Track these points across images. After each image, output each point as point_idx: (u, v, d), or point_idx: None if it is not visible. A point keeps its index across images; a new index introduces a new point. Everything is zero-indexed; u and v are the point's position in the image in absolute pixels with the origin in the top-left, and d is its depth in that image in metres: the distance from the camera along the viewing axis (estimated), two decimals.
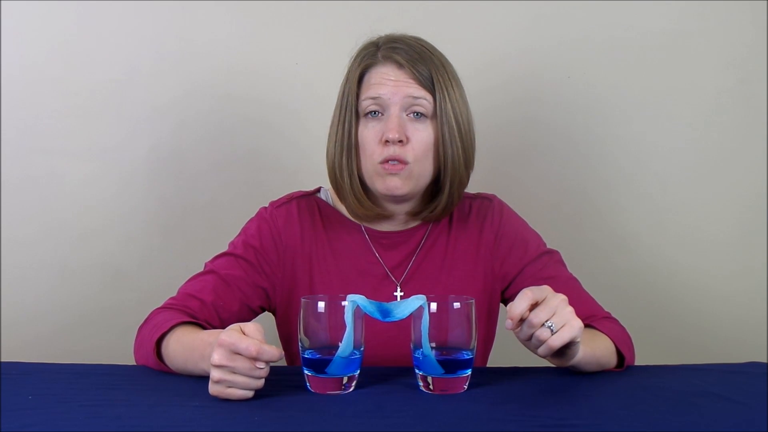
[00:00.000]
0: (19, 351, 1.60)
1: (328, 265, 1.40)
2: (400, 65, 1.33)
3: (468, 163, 1.38)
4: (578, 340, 1.12)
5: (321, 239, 1.41)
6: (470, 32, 1.87)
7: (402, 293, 1.39)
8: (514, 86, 1.91)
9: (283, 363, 1.46)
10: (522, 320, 1.10)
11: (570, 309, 1.11)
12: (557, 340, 1.09)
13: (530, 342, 1.12)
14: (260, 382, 1.05)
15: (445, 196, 1.37)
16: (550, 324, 1.09)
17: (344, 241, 1.41)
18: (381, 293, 1.37)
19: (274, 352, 1.04)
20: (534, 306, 1.10)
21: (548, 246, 1.45)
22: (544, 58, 1.90)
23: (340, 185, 1.37)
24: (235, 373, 1.04)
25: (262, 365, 1.04)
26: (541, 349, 1.11)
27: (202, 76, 1.87)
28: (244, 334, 1.05)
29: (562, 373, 1.20)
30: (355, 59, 1.38)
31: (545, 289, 1.12)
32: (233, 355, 1.04)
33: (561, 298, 1.11)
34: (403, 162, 1.32)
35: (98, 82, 1.84)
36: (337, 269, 1.39)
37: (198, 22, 1.86)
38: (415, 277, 1.40)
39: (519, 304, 1.09)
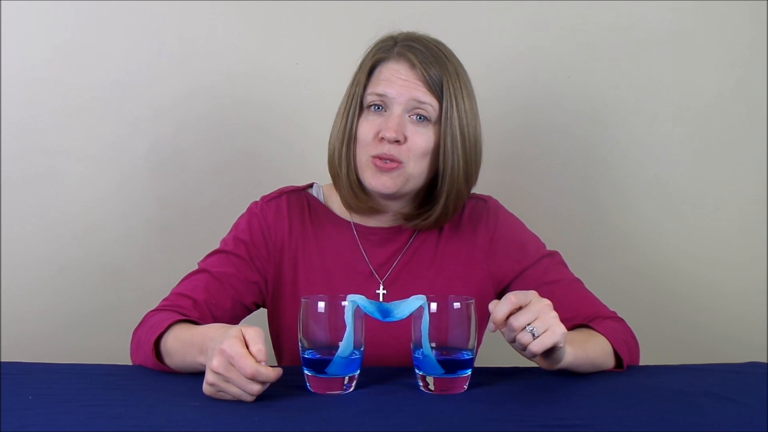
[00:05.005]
0: (18, 350, 1.60)
1: (312, 261, 1.39)
2: (412, 65, 1.32)
3: (468, 177, 1.36)
4: (561, 345, 1.12)
5: (308, 235, 1.40)
6: (469, 32, 1.87)
7: (385, 291, 1.38)
8: (514, 86, 1.91)
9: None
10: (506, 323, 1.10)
11: (554, 314, 1.11)
12: (538, 346, 1.09)
13: (515, 344, 1.12)
14: (252, 398, 1.05)
15: (440, 207, 1.36)
16: (531, 328, 1.09)
17: (331, 237, 1.41)
18: (364, 291, 1.34)
19: (270, 374, 1.03)
20: (518, 310, 1.10)
21: (548, 246, 1.44)
22: (544, 59, 1.90)
23: (337, 174, 1.37)
24: (228, 382, 1.04)
25: (257, 385, 1.04)
26: (525, 353, 1.11)
27: (201, 76, 1.87)
28: (246, 341, 1.04)
29: (563, 373, 1.20)
30: (370, 50, 1.37)
31: (530, 294, 1.12)
32: (230, 366, 1.03)
33: (545, 303, 1.11)
34: (396, 161, 1.32)
35: (98, 82, 1.84)
36: (321, 266, 1.39)
37: (198, 23, 1.86)
38: (401, 275, 1.39)
39: (501, 308, 1.10)
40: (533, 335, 1.09)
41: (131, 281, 1.86)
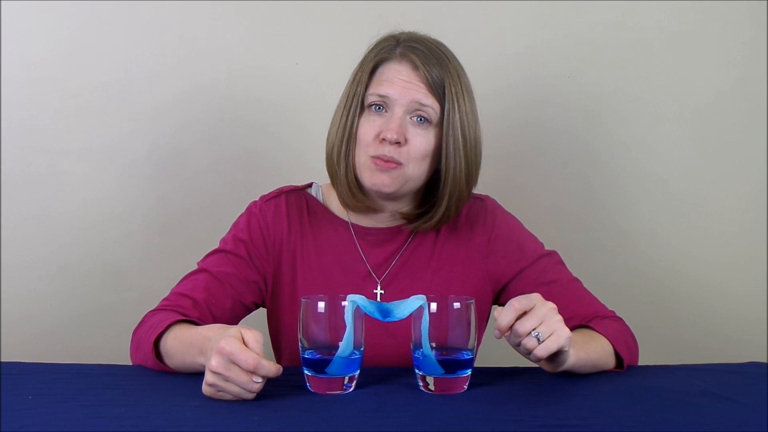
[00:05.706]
0: (18, 350, 1.60)
1: (311, 261, 1.39)
2: (415, 66, 1.32)
3: (470, 178, 1.36)
4: (566, 349, 1.12)
5: (306, 235, 1.40)
6: (469, 33, 1.87)
7: (383, 292, 1.38)
8: (514, 85, 1.91)
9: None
10: (511, 328, 1.10)
11: (558, 318, 1.11)
12: (543, 350, 1.09)
13: (519, 348, 1.12)
14: (252, 395, 1.05)
15: (443, 209, 1.35)
16: (536, 333, 1.09)
17: (329, 237, 1.41)
18: (362, 291, 1.34)
19: (271, 368, 1.04)
20: (523, 314, 1.10)
21: (548, 246, 1.44)
22: (544, 58, 1.90)
23: (335, 172, 1.36)
24: (228, 381, 1.04)
25: (258, 379, 1.04)
26: (530, 357, 1.11)
27: (201, 76, 1.87)
28: (244, 342, 1.05)
29: (563, 373, 1.20)
30: (372, 49, 1.37)
31: (534, 298, 1.11)
32: (230, 365, 1.03)
33: (549, 307, 1.11)
34: (396, 162, 1.31)
35: (98, 82, 1.84)
36: (320, 265, 1.39)
37: (198, 23, 1.86)
38: (399, 276, 1.39)
39: (505, 316, 1.09)
40: (538, 340, 1.09)
41: (131, 281, 1.86)
